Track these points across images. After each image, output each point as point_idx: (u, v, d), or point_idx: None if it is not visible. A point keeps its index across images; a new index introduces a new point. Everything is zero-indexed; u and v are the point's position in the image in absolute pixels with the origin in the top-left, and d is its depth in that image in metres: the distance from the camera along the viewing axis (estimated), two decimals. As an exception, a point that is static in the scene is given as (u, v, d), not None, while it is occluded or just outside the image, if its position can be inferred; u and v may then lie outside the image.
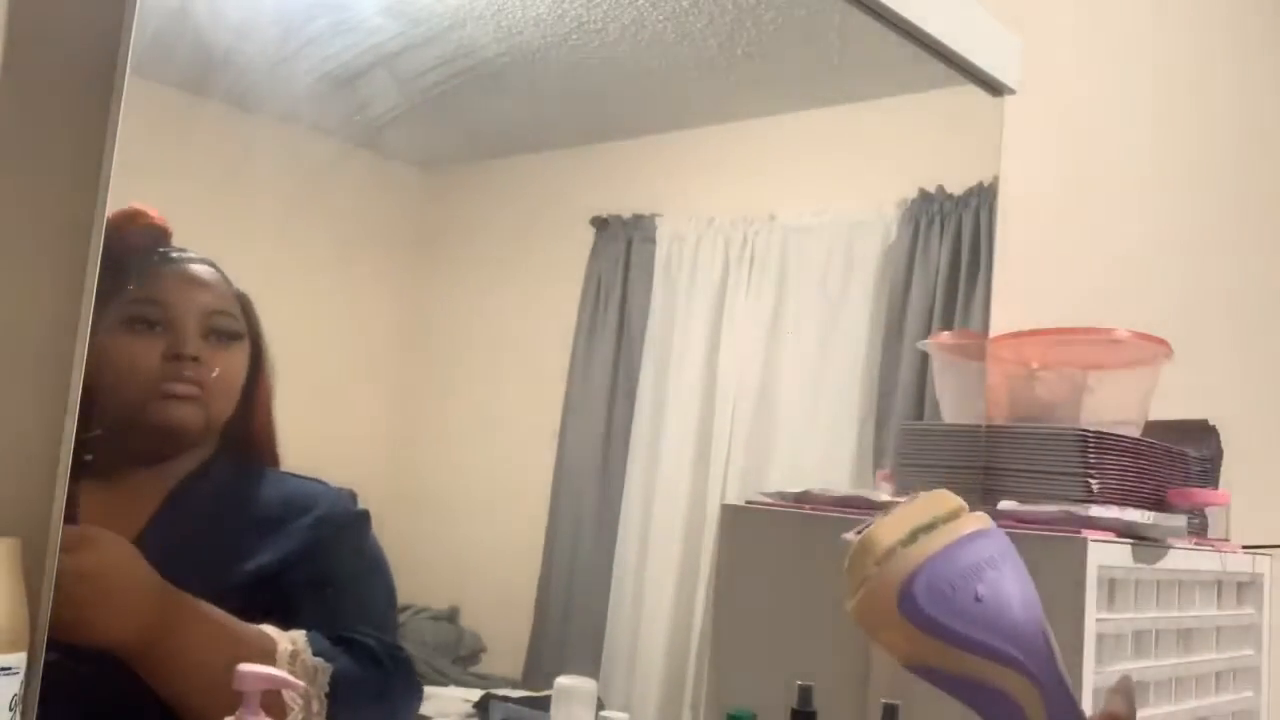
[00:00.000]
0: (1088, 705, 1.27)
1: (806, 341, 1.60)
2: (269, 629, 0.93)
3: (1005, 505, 1.42)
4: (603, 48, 1.33)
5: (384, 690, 1.01)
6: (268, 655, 0.92)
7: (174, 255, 0.97)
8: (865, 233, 1.63)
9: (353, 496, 1.06)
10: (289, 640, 0.93)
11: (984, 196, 1.66)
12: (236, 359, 0.98)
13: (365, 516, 1.06)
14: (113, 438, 0.87)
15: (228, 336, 0.97)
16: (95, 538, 0.85)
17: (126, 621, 0.85)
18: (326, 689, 0.93)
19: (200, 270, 0.98)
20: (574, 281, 1.41)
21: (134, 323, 0.92)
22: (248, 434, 1.01)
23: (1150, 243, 2.26)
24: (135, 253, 0.94)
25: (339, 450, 1.13)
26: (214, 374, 0.96)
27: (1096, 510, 1.35)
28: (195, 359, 0.94)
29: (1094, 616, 1.28)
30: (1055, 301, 1.90)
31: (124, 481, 0.94)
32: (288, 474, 1.03)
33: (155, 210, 0.95)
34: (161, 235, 0.96)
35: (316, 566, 1.00)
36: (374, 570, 1.07)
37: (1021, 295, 1.76)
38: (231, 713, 0.78)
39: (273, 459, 1.03)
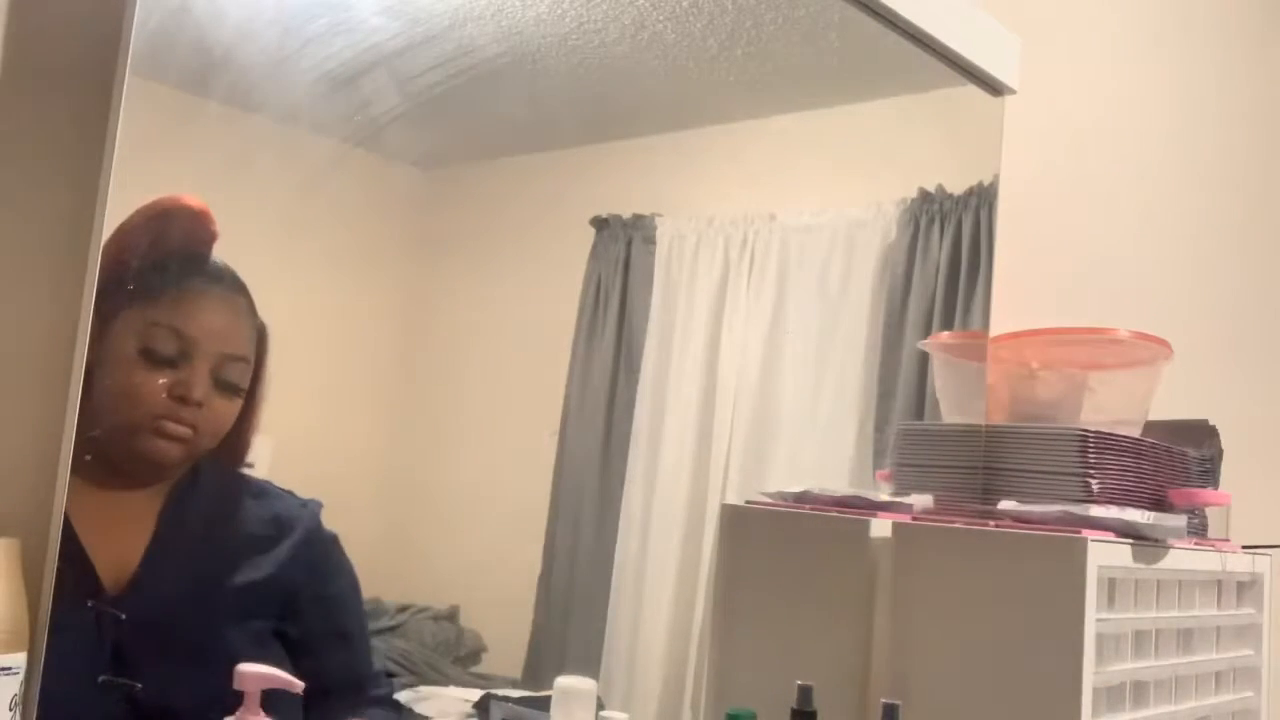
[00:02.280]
0: (1087, 708, 1.27)
1: (806, 341, 1.60)
2: None
3: (1005, 505, 1.42)
4: (603, 48, 1.33)
5: None
6: None
7: (209, 274, 0.95)
8: (865, 233, 1.63)
9: (320, 506, 1.06)
10: None
11: (984, 196, 1.66)
12: (233, 408, 0.97)
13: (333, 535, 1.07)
14: (103, 451, 0.86)
15: (233, 389, 0.96)
16: None
17: None
18: None
19: (229, 304, 0.97)
20: (574, 281, 1.41)
21: (147, 351, 0.91)
22: (230, 449, 1.00)
23: (1150, 242, 2.26)
24: (174, 254, 0.92)
25: (338, 450, 1.13)
26: (210, 417, 0.95)
27: (1096, 510, 1.35)
28: (199, 404, 0.93)
29: (1094, 616, 1.28)
30: (1055, 301, 1.90)
31: (114, 500, 0.94)
32: (255, 480, 1.02)
33: (203, 205, 0.93)
34: (208, 237, 0.94)
35: (318, 583, 1.01)
36: (355, 582, 1.07)
37: (1021, 295, 1.76)
38: None
39: (241, 458, 1.02)
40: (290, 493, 1.03)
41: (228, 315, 0.97)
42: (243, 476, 1.00)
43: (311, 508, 1.04)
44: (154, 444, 0.92)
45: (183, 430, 0.93)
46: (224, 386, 0.95)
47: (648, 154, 1.48)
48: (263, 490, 1.01)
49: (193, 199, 0.94)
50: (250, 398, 0.98)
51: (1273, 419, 2.52)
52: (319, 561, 1.03)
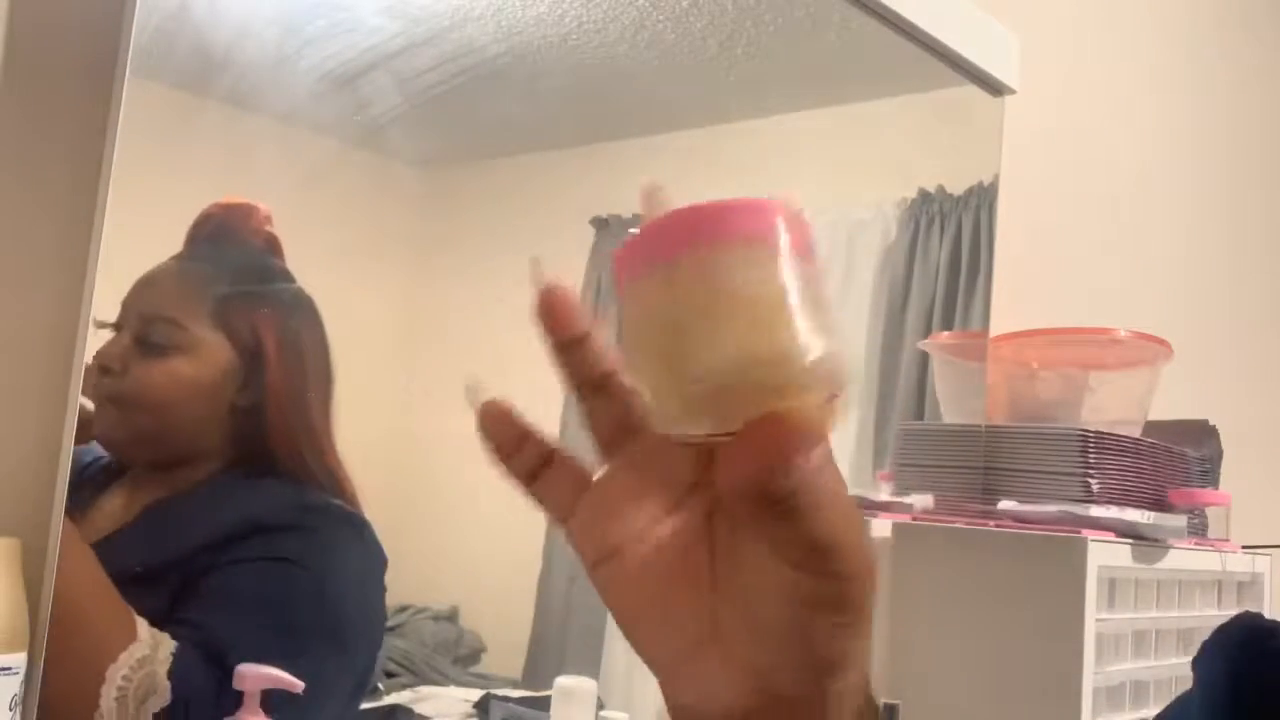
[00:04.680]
0: (1087, 708, 1.27)
1: (806, 341, 1.59)
2: (144, 623, 0.82)
3: (1005, 505, 1.42)
4: (603, 48, 1.33)
5: None
6: (120, 633, 0.80)
7: (186, 254, 0.95)
8: (865, 232, 1.63)
9: (348, 517, 0.99)
10: (152, 643, 0.81)
11: (984, 196, 1.66)
12: (158, 373, 0.91)
13: (310, 530, 0.97)
14: None
15: (157, 349, 0.91)
16: None
17: None
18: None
19: (165, 270, 0.94)
20: (574, 281, 1.41)
21: (99, 323, 0.87)
22: (261, 449, 0.96)
23: (1150, 243, 2.26)
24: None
25: (338, 450, 1.13)
26: (132, 385, 0.90)
27: (1096, 510, 1.35)
28: (106, 369, 0.88)
29: (1094, 616, 1.28)
30: (1055, 301, 1.90)
31: (127, 481, 0.93)
32: (298, 492, 0.97)
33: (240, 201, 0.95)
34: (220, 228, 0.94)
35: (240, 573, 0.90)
36: (314, 616, 0.93)
37: (1021, 295, 1.76)
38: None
39: (291, 475, 0.97)
40: (333, 500, 0.97)
41: (156, 280, 0.93)
42: (280, 479, 0.96)
43: (328, 507, 0.97)
44: (89, 417, 0.86)
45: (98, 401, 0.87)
46: (146, 348, 0.90)
47: (648, 154, 1.48)
48: (290, 493, 0.97)
49: (236, 199, 0.96)
50: (253, 375, 0.95)
51: (1273, 419, 2.52)
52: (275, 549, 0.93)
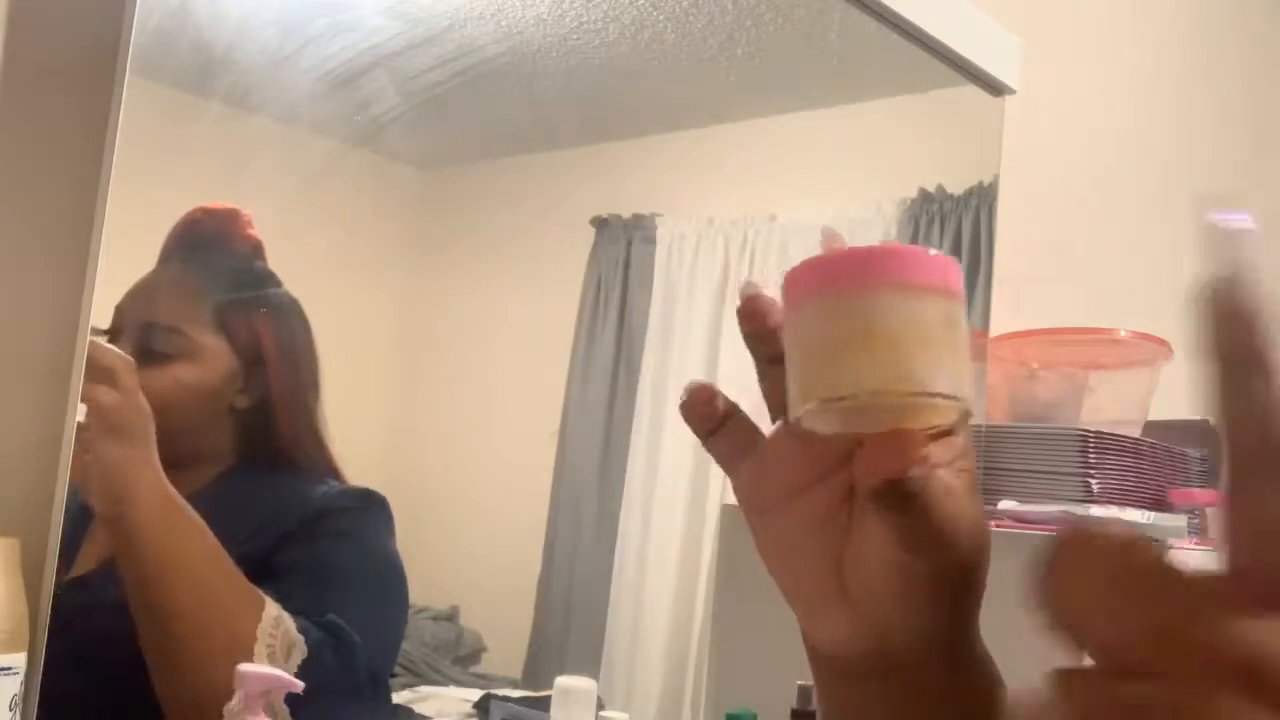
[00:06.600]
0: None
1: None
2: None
3: (1005, 505, 1.42)
4: (603, 48, 1.33)
5: (347, 697, 0.95)
6: (255, 595, 0.87)
7: (177, 258, 0.95)
8: (865, 232, 1.63)
9: (360, 493, 1.04)
10: (277, 607, 0.87)
11: (984, 196, 1.66)
12: (162, 379, 0.91)
13: (358, 510, 1.03)
14: None
15: (160, 356, 0.92)
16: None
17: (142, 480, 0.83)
18: (294, 671, 0.86)
19: (160, 277, 0.95)
20: (574, 281, 1.41)
21: (96, 331, 0.87)
22: (267, 446, 0.98)
23: (1151, 242, 2.26)
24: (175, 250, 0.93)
25: (338, 450, 1.13)
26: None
27: (1097, 510, 1.35)
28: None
29: (1094, 616, 1.28)
30: (1055, 301, 1.90)
31: None
32: (317, 482, 1.00)
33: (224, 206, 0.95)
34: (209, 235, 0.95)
35: (299, 550, 0.96)
36: (367, 574, 1.02)
37: (1021, 295, 1.76)
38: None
39: (299, 468, 1.00)
40: (340, 483, 1.02)
41: (164, 287, 0.95)
42: (287, 474, 1.00)
43: (342, 489, 1.01)
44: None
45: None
46: (150, 356, 0.91)
47: (648, 154, 1.48)
48: (302, 487, 0.99)
49: (219, 203, 0.96)
50: (257, 376, 0.96)
51: (1273, 419, 2.52)
52: (314, 528, 0.99)
